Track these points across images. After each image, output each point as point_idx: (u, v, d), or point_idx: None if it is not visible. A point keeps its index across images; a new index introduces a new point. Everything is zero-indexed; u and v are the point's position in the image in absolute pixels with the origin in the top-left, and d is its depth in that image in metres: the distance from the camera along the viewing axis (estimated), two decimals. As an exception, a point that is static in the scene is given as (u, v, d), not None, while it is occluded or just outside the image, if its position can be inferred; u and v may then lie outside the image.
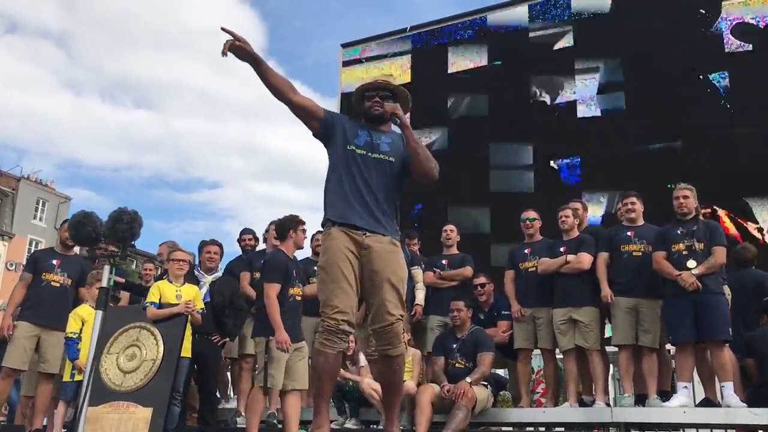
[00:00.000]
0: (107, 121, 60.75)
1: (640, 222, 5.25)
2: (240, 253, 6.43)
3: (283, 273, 4.77)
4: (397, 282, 3.23)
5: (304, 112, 3.31)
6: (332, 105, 10.12)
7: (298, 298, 4.84)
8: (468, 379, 4.85)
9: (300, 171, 75.59)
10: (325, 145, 3.41)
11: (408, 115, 3.53)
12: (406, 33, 10.19)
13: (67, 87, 64.24)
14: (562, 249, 5.32)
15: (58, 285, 5.56)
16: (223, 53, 3.00)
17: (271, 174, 74.60)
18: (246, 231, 6.49)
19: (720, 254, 4.72)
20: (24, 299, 5.52)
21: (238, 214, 70.48)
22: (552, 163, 8.18)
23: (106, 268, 3.03)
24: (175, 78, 68.80)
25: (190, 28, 71.84)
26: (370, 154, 3.31)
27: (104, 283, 3.00)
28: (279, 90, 3.20)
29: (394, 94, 3.44)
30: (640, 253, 5.07)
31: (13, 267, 25.92)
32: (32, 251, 6.25)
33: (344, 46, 10.68)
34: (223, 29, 2.99)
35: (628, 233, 5.16)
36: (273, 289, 4.68)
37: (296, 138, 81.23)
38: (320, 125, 3.34)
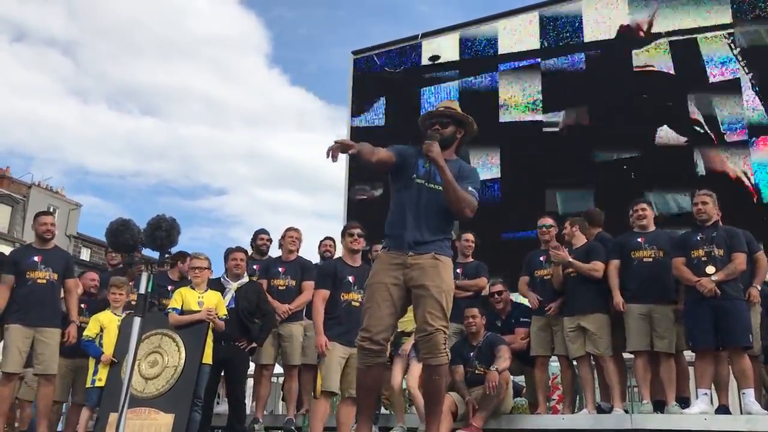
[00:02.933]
0: (114, 129, 61.21)
1: (652, 228, 5.25)
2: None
3: (330, 278, 4.93)
4: (437, 293, 3.37)
5: (383, 166, 3.53)
6: (343, 113, 10.22)
7: (354, 304, 4.82)
8: (493, 368, 4.89)
9: (306, 177, 75.79)
10: (392, 177, 3.63)
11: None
12: (418, 40, 10.26)
13: (73, 94, 64.76)
14: (570, 258, 5.31)
15: (44, 281, 5.34)
16: (333, 158, 3.19)
17: (276, 180, 74.74)
18: (262, 231, 6.48)
19: (740, 260, 4.71)
20: (10, 302, 5.32)
21: (244, 221, 70.60)
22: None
23: (144, 275, 3.05)
24: (180, 85, 69.19)
25: (195, 36, 72.29)
26: (426, 183, 3.51)
27: (142, 290, 3.02)
28: (377, 162, 3.42)
29: (457, 120, 3.62)
30: (651, 259, 5.07)
31: (24, 273, 26.05)
32: (9, 252, 6.08)
33: (355, 53, 10.74)
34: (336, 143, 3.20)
35: (639, 239, 5.16)
36: (317, 295, 4.95)
37: (302, 144, 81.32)
38: (393, 167, 3.54)
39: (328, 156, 3.15)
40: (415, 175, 3.52)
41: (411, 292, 3.42)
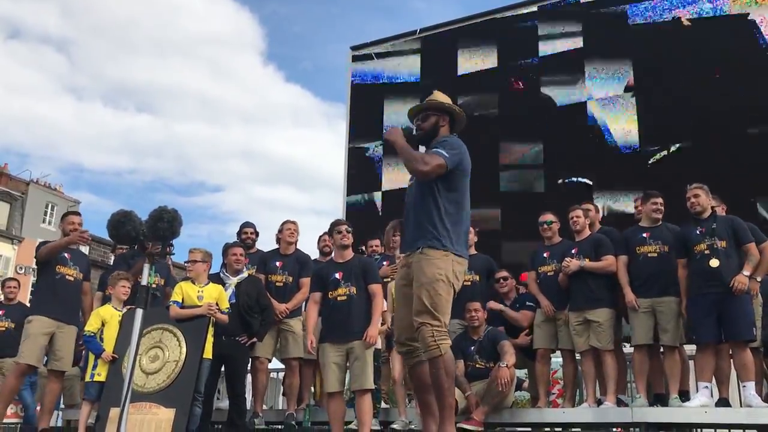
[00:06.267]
0: (109, 126, 61.03)
1: (658, 222, 5.22)
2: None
3: (317, 281, 5.02)
4: (417, 289, 3.44)
5: None
6: (338, 110, 10.22)
7: (340, 299, 4.82)
8: (503, 364, 4.90)
9: (302, 174, 75.75)
10: None
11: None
12: (416, 35, 10.24)
13: (69, 92, 64.42)
14: (573, 251, 5.33)
15: (72, 279, 5.46)
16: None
17: (273, 178, 74.65)
18: (247, 224, 6.44)
19: (754, 251, 4.72)
20: (37, 293, 5.45)
21: (240, 218, 70.17)
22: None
23: (146, 267, 3.05)
24: (175, 83, 68.97)
25: (189, 34, 72.03)
26: (413, 179, 3.67)
27: (144, 282, 3.02)
28: None
29: (437, 109, 3.74)
30: (656, 254, 5.07)
31: (23, 271, 26.01)
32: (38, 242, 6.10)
33: (354, 48, 10.72)
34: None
35: (644, 234, 5.15)
36: (310, 299, 5.07)
37: (298, 142, 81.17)
38: None
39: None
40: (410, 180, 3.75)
41: None
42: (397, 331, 3.61)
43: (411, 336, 3.52)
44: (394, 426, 5.21)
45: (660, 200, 5.23)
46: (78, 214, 5.90)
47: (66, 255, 5.48)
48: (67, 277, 5.43)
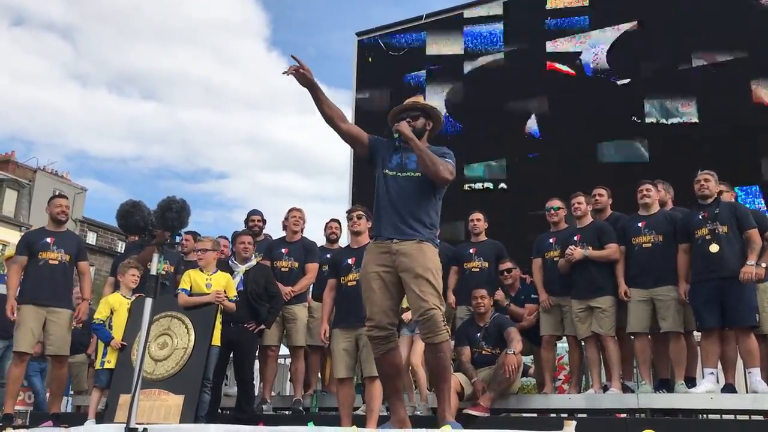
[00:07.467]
0: (114, 113, 61.09)
1: (655, 209, 5.21)
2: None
3: (332, 267, 5.08)
4: (424, 273, 3.50)
5: (351, 139, 3.77)
6: (343, 96, 10.15)
7: (351, 284, 4.80)
8: (510, 351, 4.90)
9: (307, 161, 75.62)
10: (370, 166, 3.87)
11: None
12: (422, 21, 10.16)
13: (73, 79, 64.51)
14: (576, 238, 5.32)
15: (56, 262, 5.44)
16: (286, 73, 3.51)
17: (278, 164, 74.57)
18: (254, 212, 6.46)
19: (756, 237, 4.70)
20: (23, 282, 5.43)
21: (246, 204, 70.73)
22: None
23: (155, 256, 3.07)
24: (180, 70, 68.84)
25: (193, 21, 71.82)
26: (399, 174, 3.72)
27: (153, 271, 3.04)
28: (331, 117, 3.66)
29: (425, 112, 3.82)
30: (650, 245, 5.06)
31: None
32: (24, 233, 6.16)
33: (359, 34, 10.65)
34: (293, 57, 3.53)
35: (639, 224, 5.15)
36: (327, 286, 5.10)
37: (303, 128, 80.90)
38: (367, 151, 3.81)
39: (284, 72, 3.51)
40: (386, 169, 3.75)
41: (401, 276, 3.57)
42: (377, 317, 3.59)
43: (393, 321, 3.67)
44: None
45: (645, 187, 5.23)
46: (65, 197, 5.91)
47: (48, 240, 5.47)
48: (50, 261, 5.42)
